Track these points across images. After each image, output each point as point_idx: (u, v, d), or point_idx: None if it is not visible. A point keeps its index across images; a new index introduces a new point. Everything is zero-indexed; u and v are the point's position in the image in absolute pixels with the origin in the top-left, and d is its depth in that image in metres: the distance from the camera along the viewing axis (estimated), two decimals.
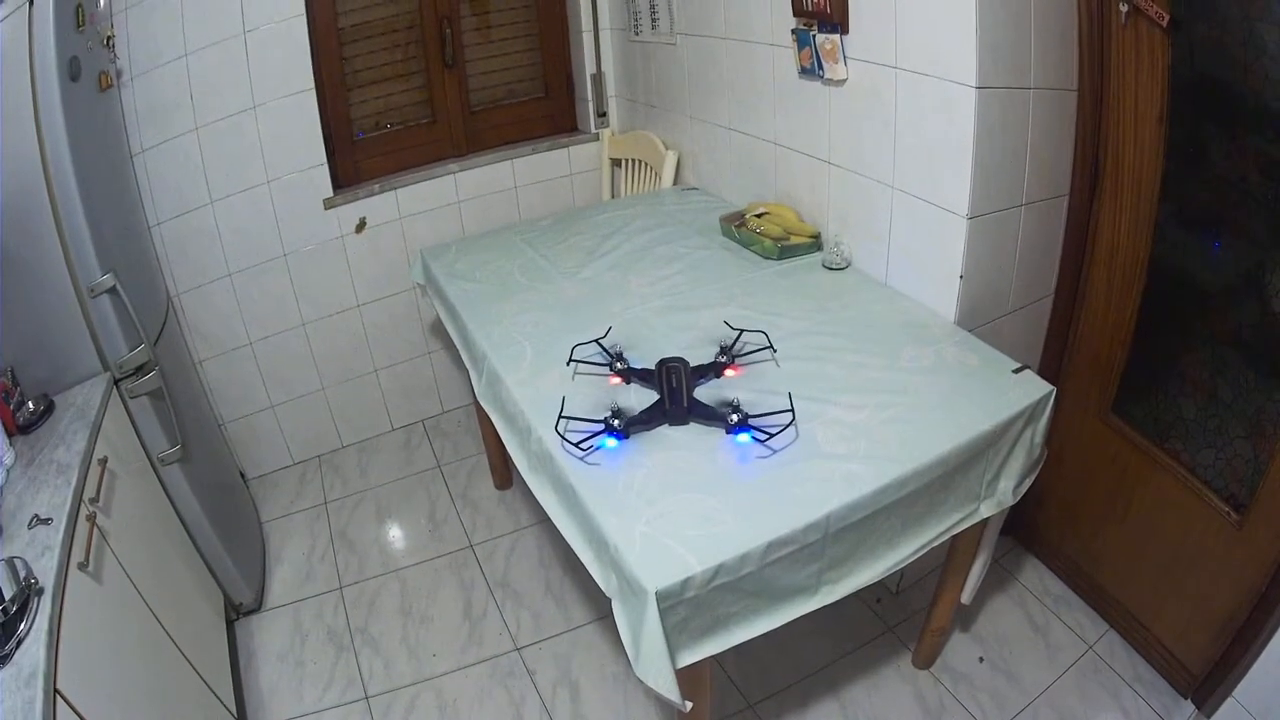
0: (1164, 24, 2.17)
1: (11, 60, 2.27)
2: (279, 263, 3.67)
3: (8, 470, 2.12)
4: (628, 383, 2.27)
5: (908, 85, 2.43)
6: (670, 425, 2.08)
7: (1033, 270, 2.62)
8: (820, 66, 2.72)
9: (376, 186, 3.81)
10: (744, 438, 1.98)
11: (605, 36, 4.12)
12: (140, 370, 2.63)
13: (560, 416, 2.06)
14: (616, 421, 2.03)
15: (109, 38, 2.91)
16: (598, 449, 2.00)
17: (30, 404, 2.35)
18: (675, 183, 3.84)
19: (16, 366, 2.38)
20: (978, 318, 2.52)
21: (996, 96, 2.25)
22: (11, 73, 2.27)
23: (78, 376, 2.53)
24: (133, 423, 2.64)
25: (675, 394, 2.13)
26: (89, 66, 2.62)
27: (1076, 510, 2.92)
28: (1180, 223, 2.37)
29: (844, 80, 2.67)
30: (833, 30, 2.63)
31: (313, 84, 3.49)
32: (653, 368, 2.27)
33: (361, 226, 3.80)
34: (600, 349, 2.42)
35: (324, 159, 3.63)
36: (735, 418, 2.01)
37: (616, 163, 4.22)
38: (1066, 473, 2.86)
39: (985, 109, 2.23)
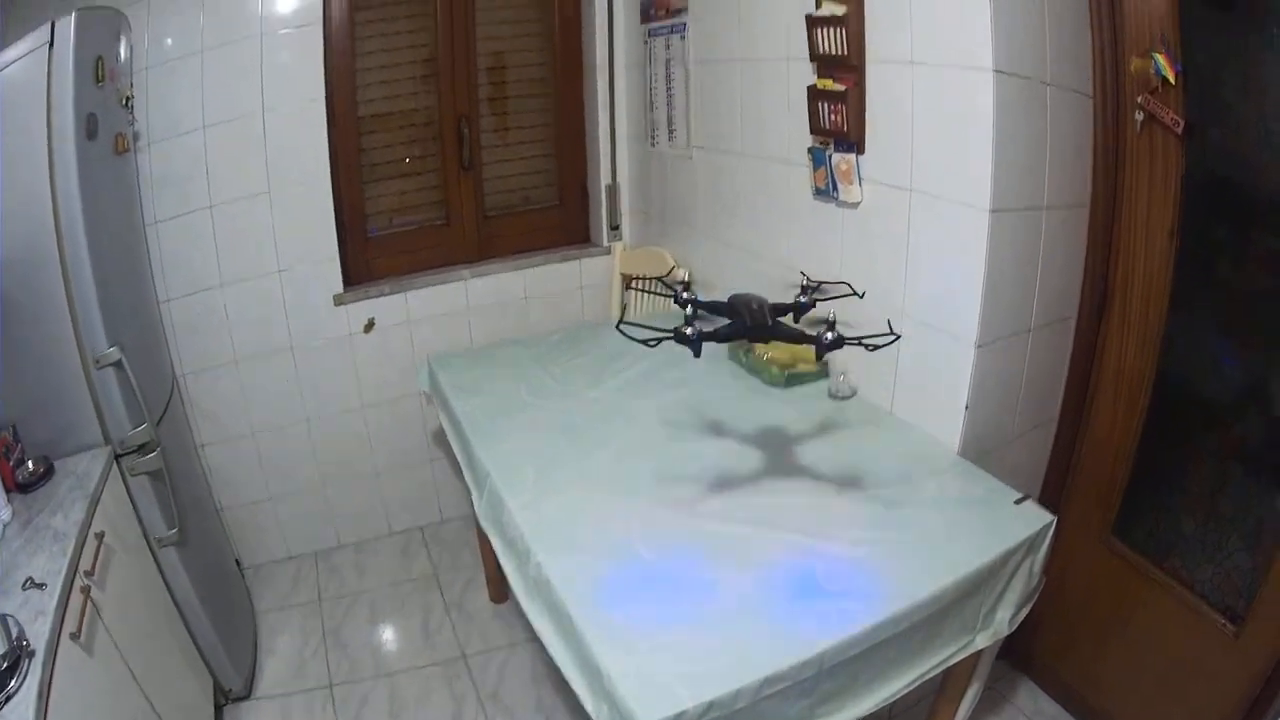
0: (1178, 130, 2.19)
1: (27, 107, 2.27)
2: (286, 355, 3.69)
3: (4, 526, 2.12)
4: (695, 315, 2.20)
5: (922, 207, 2.45)
6: (751, 340, 2.19)
7: (1038, 396, 2.63)
8: (835, 187, 2.74)
9: (387, 287, 3.84)
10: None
11: (622, 146, 4.17)
12: (142, 449, 2.61)
13: (620, 323, 2.11)
14: (689, 330, 2.02)
15: (128, 98, 2.90)
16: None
17: (30, 464, 2.34)
18: None
19: (18, 424, 2.37)
20: (981, 446, 2.50)
21: (1010, 219, 2.27)
22: (27, 120, 2.27)
23: (79, 444, 2.52)
24: (132, 501, 2.62)
25: (756, 314, 2.12)
26: (106, 126, 2.62)
27: (1073, 633, 2.87)
28: (1187, 336, 2.39)
29: (858, 202, 2.69)
30: (849, 150, 2.66)
31: (329, 173, 3.56)
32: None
33: (370, 327, 3.82)
34: (663, 285, 2.49)
35: (336, 253, 3.68)
36: (830, 336, 2.00)
37: (628, 279, 4.21)
38: (1065, 596, 2.81)
39: (998, 232, 2.25)
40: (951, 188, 2.33)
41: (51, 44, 2.30)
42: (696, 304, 2.25)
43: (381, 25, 3.71)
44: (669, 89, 3.72)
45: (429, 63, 3.83)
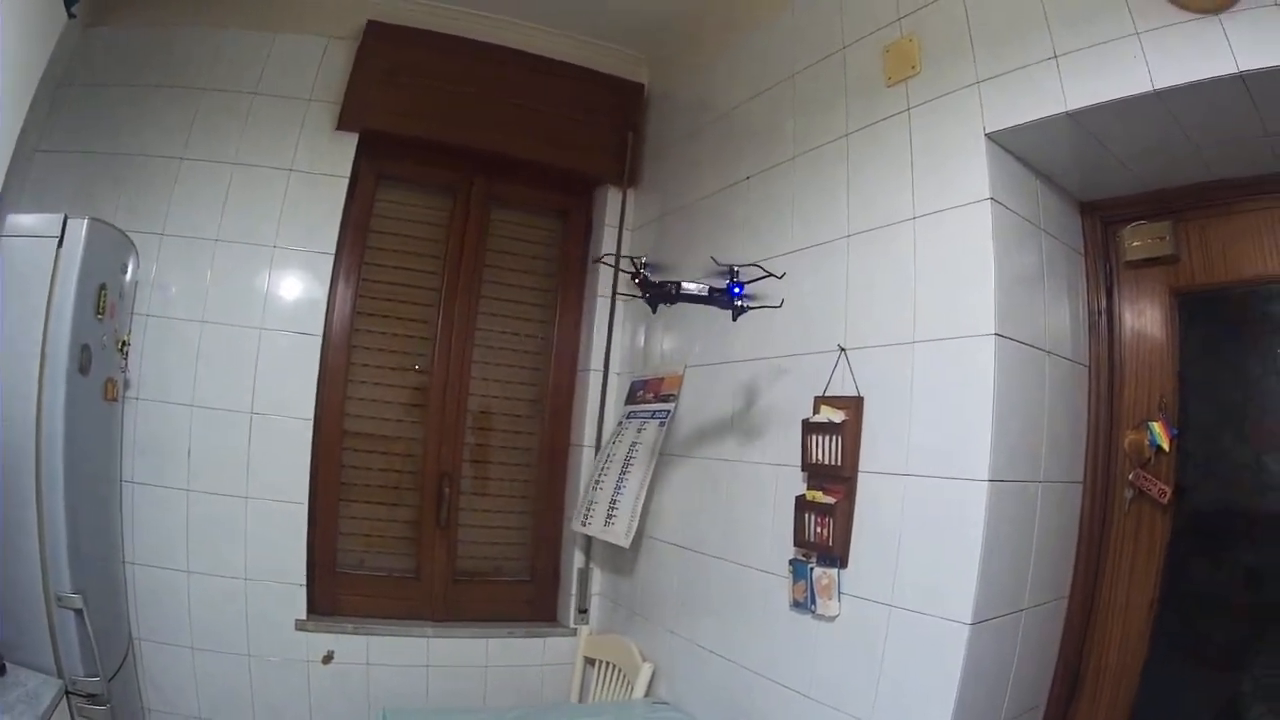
0: (1164, 500, 2.31)
1: (24, 295, 2.32)
2: (242, 660, 3.59)
3: None
4: None
5: (900, 623, 2.46)
6: None
7: None
8: (814, 601, 2.73)
9: (350, 626, 3.82)
10: None
11: None
12: (93, 698, 2.50)
13: None
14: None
15: (123, 343, 2.96)
16: None
17: None
18: (647, 694, 3.69)
19: None
20: None
21: (989, 630, 2.32)
22: (20, 311, 2.31)
23: (31, 662, 2.40)
24: None
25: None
26: (99, 365, 2.65)
27: None
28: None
29: (835, 616, 2.68)
30: (831, 564, 2.69)
31: (307, 492, 3.67)
32: None
33: (329, 659, 3.74)
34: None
35: (304, 579, 3.71)
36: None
37: (590, 661, 4.11)
38: None
39: (976, 646, 2.28)
40: (933, 605, 2.37)
41: (61, 242, 2.38)
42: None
43: (380, 341, 4.05)
44: (623, 472, 3.83)
45: (419, 391, 4.12)
